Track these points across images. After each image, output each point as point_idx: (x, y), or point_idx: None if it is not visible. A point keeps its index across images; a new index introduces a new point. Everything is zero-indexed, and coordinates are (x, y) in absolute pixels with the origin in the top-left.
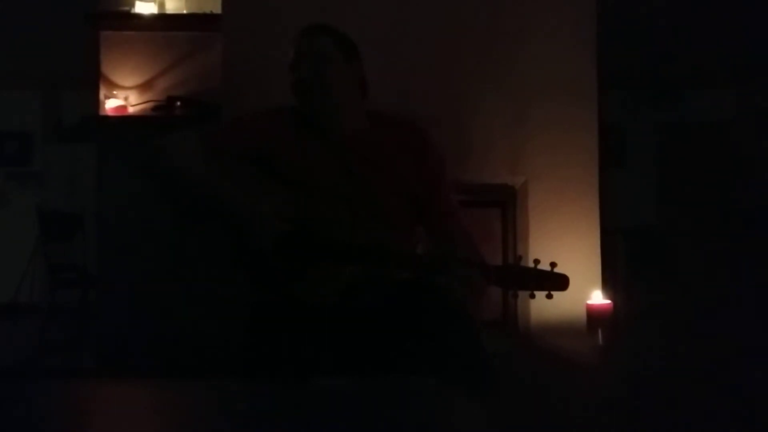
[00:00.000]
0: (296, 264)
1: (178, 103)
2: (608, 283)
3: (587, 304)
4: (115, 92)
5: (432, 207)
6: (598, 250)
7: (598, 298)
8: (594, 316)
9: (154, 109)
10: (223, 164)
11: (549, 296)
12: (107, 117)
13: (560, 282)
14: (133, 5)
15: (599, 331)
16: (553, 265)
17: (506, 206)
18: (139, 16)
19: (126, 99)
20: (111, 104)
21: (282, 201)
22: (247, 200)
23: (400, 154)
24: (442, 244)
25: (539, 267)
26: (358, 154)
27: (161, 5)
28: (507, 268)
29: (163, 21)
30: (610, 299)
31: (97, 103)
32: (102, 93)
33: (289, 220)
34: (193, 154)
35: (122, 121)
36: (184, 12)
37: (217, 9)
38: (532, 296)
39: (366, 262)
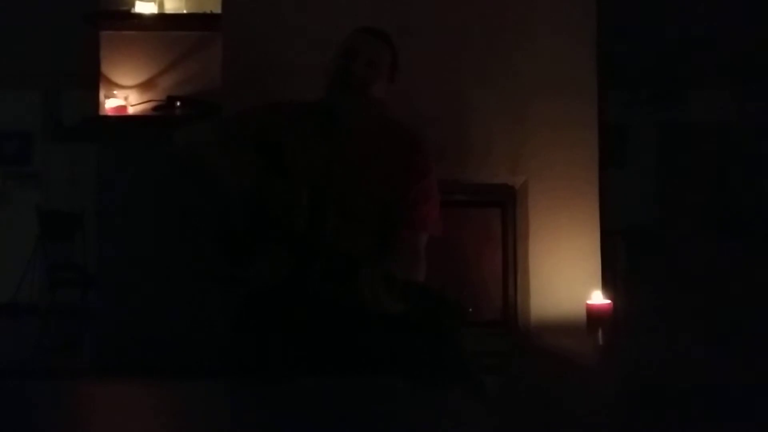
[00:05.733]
0: (247, 249)
1: (178, 103)
2: (608, 283)
3: (587, 304)
4: (115, 92)
5: (398, 216)
6: (598, 250)
7: (598, 298)
8: (594, 316)
9: (154, 108)
10: (228, 150)
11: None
12: (107, 117)
13: (460, 315)
14: (133, 5)
15: (599, 331)
16: (462, 294)
17: (506, 206)
18: (139, 16)
19: (126, 99)
20: (111, 104)
21: (278, 188)
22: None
23: (391, 161)
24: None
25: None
26: (353, 156)
27: (161, 5)
28: (411, 288)
29: (163, 21)
30: (610, 299)
31: (97, 103)
32: (102, 93)
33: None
34: (205, 142)
35: (122, 120)
36: (184, 12)
37: (217, 9)
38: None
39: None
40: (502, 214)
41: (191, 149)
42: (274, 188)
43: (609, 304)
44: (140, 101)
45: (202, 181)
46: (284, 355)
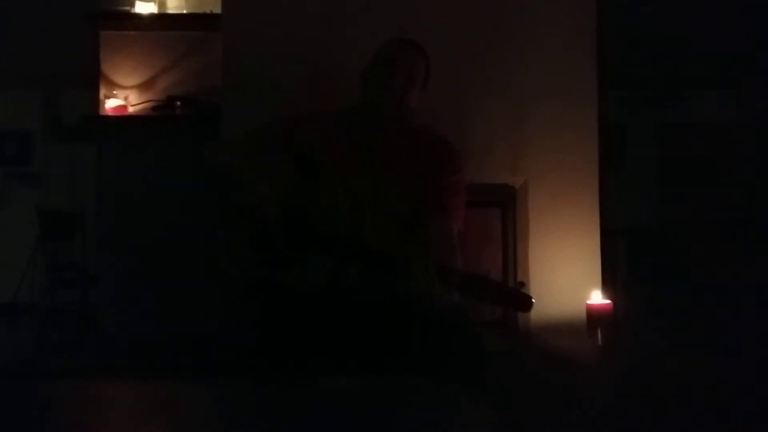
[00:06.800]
0: (287, 253)
1: (178, 103)
2: (608, 283)
3: (587, 304)
4: (115, 92)
5: (427, 212)
6: (598, 250)
7: (598, 298)
8: (594, 316)
9: (154, 108)
10: (264, 160)
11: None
12: (107, 117)
13: (523, 303)
14: (133, 5)
15: (599, 331)
16: (520, 284)
17: (506, 206)
18: (139, 16)
19: (126, 99)
20: (111, 104)
21: (316, 195)
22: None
23: (422, 163)
24: (416, 240)
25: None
26: (387, 160)
27: (161, 5)
28: (471, 278)
29: (163, 21)
30: (610, 299)
31: (97, 103)
32: (102, 93)
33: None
34: (238, 150)
35: (122, 120)
36: (184, 12)
37: (217, 9)
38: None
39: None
40: (502, 214)
41: (226, 161)
42: (312, 195)
43: (609, 304)
44: (140, 101)
45: (236, 191)
46: (322, 356)
